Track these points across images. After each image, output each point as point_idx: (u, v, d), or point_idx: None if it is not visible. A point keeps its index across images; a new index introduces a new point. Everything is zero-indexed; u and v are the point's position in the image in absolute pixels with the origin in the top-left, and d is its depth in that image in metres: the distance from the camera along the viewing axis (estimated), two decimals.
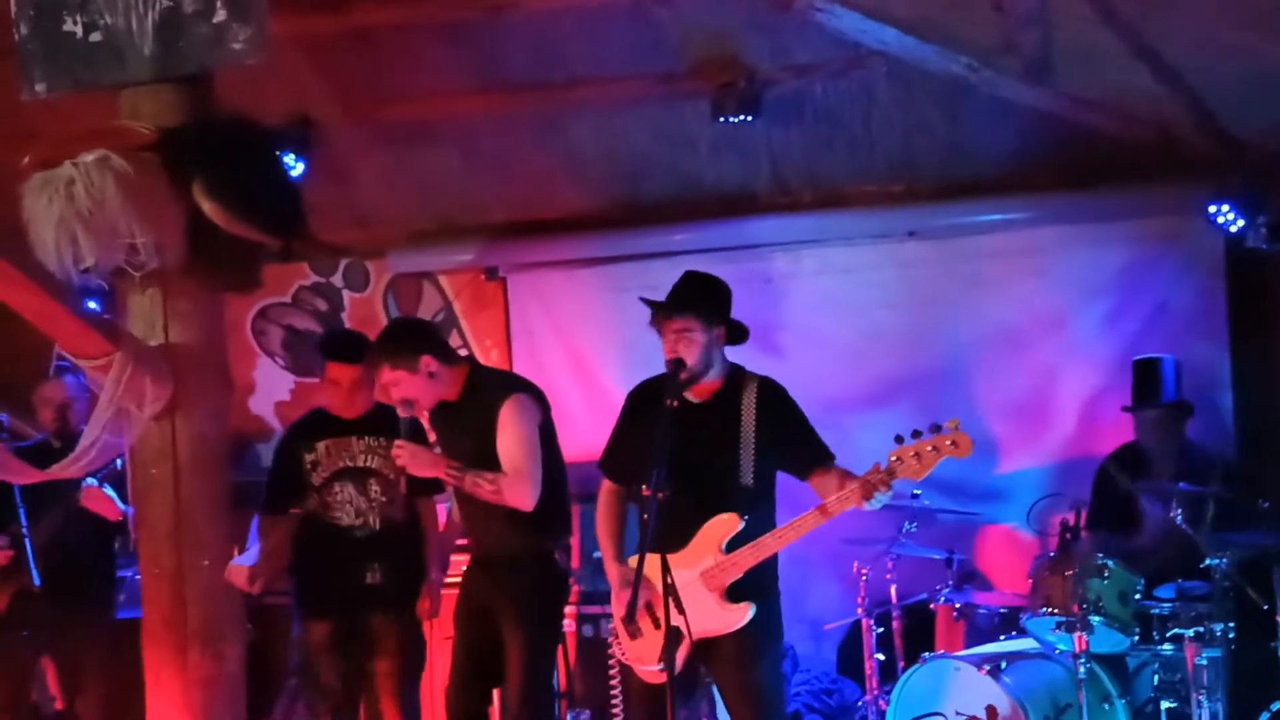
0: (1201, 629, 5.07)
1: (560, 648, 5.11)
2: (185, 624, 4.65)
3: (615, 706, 5.89)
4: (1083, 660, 5.00)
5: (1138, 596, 5.17)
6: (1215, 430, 6.24)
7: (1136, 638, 5.16)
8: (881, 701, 5.73)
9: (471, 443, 4.74)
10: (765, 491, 4.41)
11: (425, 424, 5.07)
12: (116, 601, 5.92)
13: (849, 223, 6.79)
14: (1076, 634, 5.01)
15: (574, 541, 6.11)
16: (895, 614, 6.00)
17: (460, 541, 5.33)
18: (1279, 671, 5.06)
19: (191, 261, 4.52)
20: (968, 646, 5.64)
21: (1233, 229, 6.02)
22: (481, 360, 6.73)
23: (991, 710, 5.08)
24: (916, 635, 5.93)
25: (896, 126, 6.44)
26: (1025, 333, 6.60)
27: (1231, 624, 5.09)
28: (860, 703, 6.04)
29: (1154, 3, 4.98)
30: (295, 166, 6.26)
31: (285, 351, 7.61)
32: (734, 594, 4.28)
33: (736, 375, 4.48)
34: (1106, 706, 5.17)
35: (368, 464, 5.18)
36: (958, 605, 5.85)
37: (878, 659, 5.94)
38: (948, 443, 4.02)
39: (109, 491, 5.50)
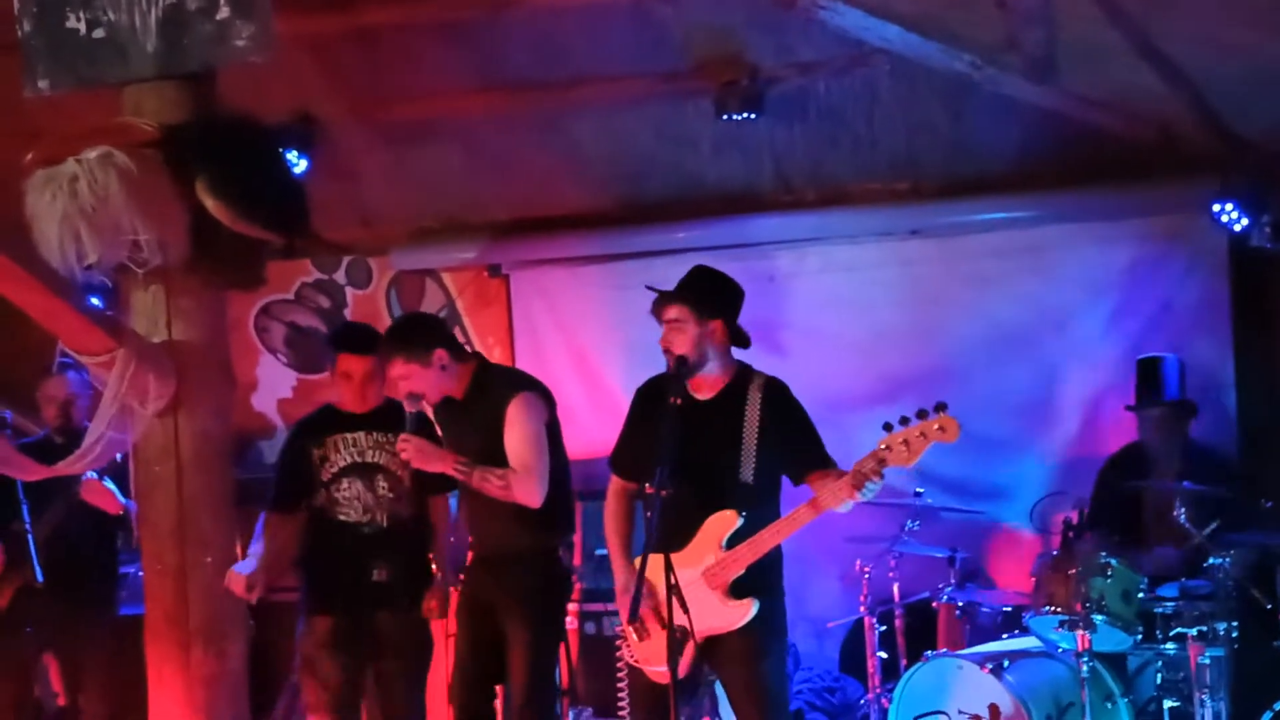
0: (1205, 628, 5.07)
1: (563, 645, 5.10)
2: (188, 621, 4.68)
3: (622, 706, 5.89)
4: (1085, 659, 5.00)
5: (1141, 595, 5.17)
6: (1219, 430, 6.23)
7: (1140, 637, 5.15)
8: (884, 700, 5.74)
9: (479, 439, 4.74)
10: (767, 489, 4.40)
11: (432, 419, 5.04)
12: (119, 598, 5.92)
13: (852, 221, 6.78)
14: (1079, 633, 5.00)
15: (577, 539, 6.14)
16: (898, 612, 6.01)
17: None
18: None
19: (194, 258, 4.54)
20: (970, 645, 5.63)
21: (1237, 228, 6.01)
22: None
23: (994, 709, 5.08)
24: (919, 633, 5.93)
25: (900, 124, 6.43)
26: (1028, 331, 6.59)
27: (1234, 623, 5.09)
28: (862, 701, 6.04)
29: (1158, 1, 4.98)
30: (298, 164, 6.26)
31: (288, 348, 7.61)
32: (737, 590, 4.27)
33: (743, 373, 4.46)
34: (1109, 705, 5.16)
35: (376, 460, 5.10)
36: (960, 604, 5.84)
37: (880, 657, 5.94)
38: (935, 428, 4.02)
39: (109, 485, 5.51)
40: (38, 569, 5.46)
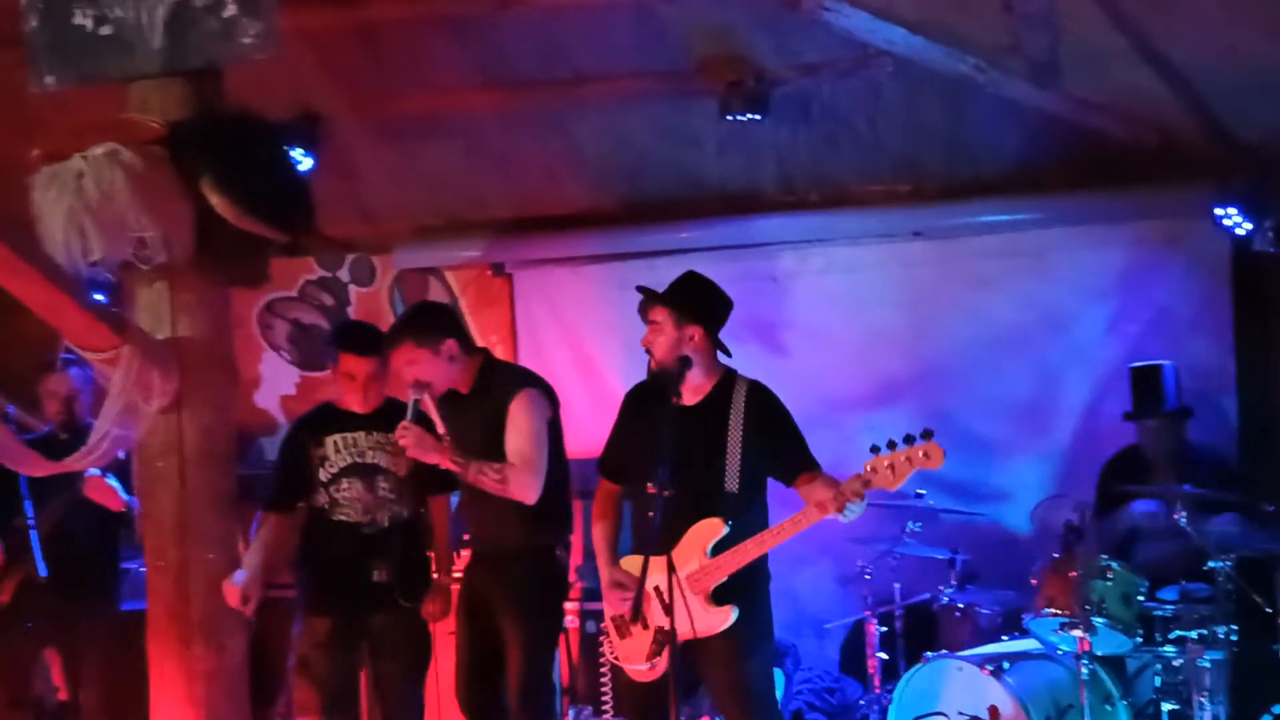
0: (1204, 631, 5.08)
1: (563, 644, 5.10)
2: (189, 617, 4.67)
3: (606, 702, 5.89)
4: (1085, 661, 5.01)
5: (1141, 598, 5.18)
6: (1218, 433, 6.24)
7: (1139, 639, 5.16)
8: (884, 700, 5.74)
9: (481, 434, 4.73)
10: (752, 497, 4.42)
11: (434, 415, 5.02)
12: (120, 594, 5.93)
13: (854, 222, 6.80)
14: (1079, 635, 5.01)
15: (576, 538, 6.12)
16: (898, 613, 6.02)
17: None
18: None
19: (199, 255, 4.53)
20: (970, 646, 5.64)
21: (1239, 232, 6.02)
22: None
23: (994, 710, 5.09)
24: (919, 635, 5.95)
25: (902, 126, 6.44)
26: (1029, 333, 6.61)
27: (1234, 626, 5.10)
28: (862, 701, 6.05)
29: (1161, 6, 4.99)
30: (303, 161, 6.26)
31: (291, 345, 7.62)
32: (718, 597, 4.30)
33: (727, 379, 4.48)
34: (1108, 708, 5.17)
35: (376, 461, 5.03)
36: (960, 605, 5.85)
37: (880, 658, 5.95)
38: (920, 454, 4.06)
39: (112, 482, 5.50)
40: (40, 564, 5.47)
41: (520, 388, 4.76)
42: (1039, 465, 6.54)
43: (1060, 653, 5.24)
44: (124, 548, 5.87)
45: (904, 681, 5.40)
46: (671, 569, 4.07)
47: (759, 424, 4.38)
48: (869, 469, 4.11)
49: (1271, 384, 6.35)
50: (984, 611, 5.82)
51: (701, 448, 4.33)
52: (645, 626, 4.31)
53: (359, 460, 5.03)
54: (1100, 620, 5.03)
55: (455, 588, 5.10)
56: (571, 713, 6.01)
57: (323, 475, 5.02)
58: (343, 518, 5.01)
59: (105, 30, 4.62)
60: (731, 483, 4.33)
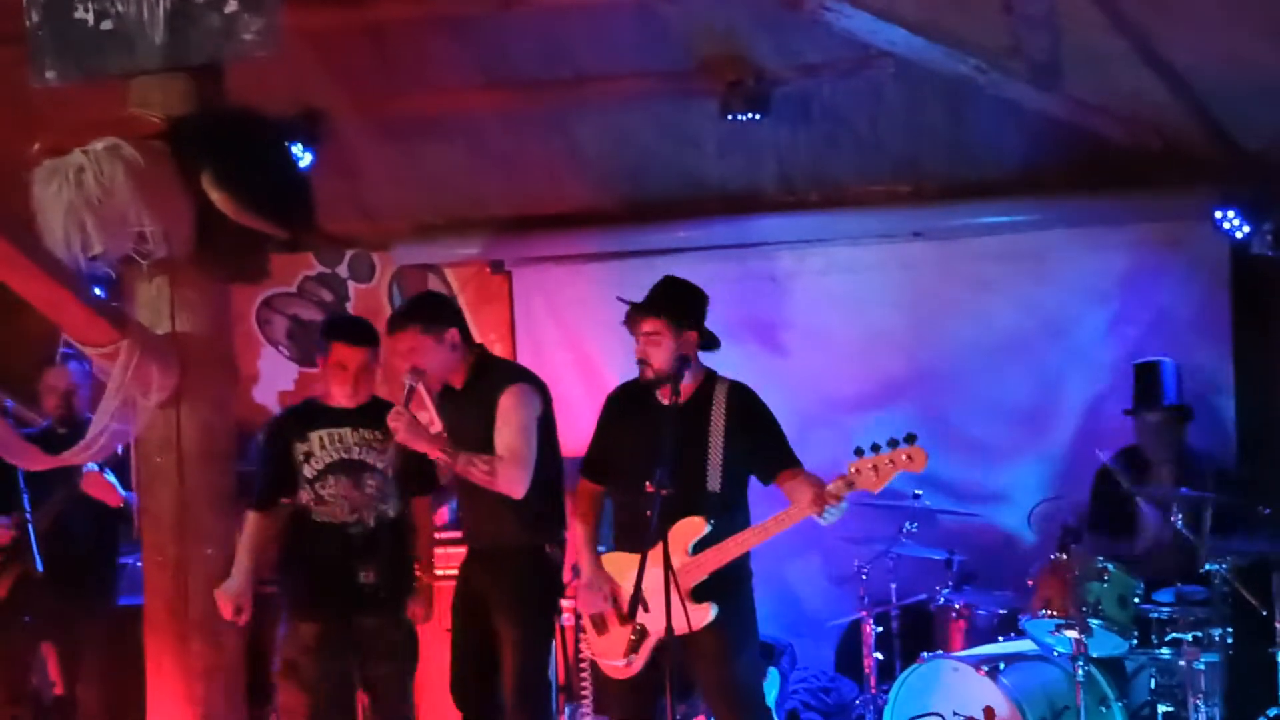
0: (1200, 633, 5.09)
1: (560, 642, 5.10)
2: (187, 613, 4.67)
3: (585, 696, 5.89)
4: (1081, 663, 5.02)
5: (1137, 600, 5.19)
6: (1216, 436, 6.25)
7: (1135, 641, 5.18)
8: (880, 700, 5.75)
9: (474, 428, 4.74)
10: (734, 496, 4.46)
11: (429, 403, 4.98)
12: (118, 589, 5.93)
13: (854, 222, 6.79)
14: (1075, 636, 5.02)
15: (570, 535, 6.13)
16: (894, 613, 6.02)
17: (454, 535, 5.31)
18: (1276, 676, 5.07)
19: (199, 251, 4.53)
20: (966, 647, 5.65)
21: (1239, 235, 6.02)
22: None
23: (989, 711, 5.09)
24: (915, 635, 5.95)
25: (903, 127, 6.44)
26: (1028, 335, 6.61)
27: (1229, 629, 5.11)
28: (858, 701, 6.06)
29: (1162, 9, 4.99)
30: (303, 158, 6.27)
31: (290, 341, 7.62)
32: (699, 594, 4.34)
33: (709, 379, 4.53)
34: (1104, 709, 5.18)
35: (363, 458, 4.88)
36: (957, 606, 5.86)
37: (876, 658, 5.96)
38: (903, 457, 4.11)
39: (110, 477, 5.50)
40: (38, 559, 5.47)
41: (510, 382, 4.77)
42: (1037, 467, 6.55)
43: (1056, 654, 5.25)
44: (122, 543, 5.87)
45: (900, 682, 5.41)
46: (669, 567, 4.08)
47: (740, 423, 4.43)
48: (853, 470, 4.16)
49: (1270, 387, 6.35)
50: (980, 612, 5.83)
51: (684, 447, 4.35)
52: (623, 623, 4.35)
53: (345, 457, 4.88)
54: (1096, 622, 5.04)
55: (439, 587, 5.09)
56: (567, 710, 6.01)
57: (307, 472, 4.86)
58: (327, 517, 4.86)
59: (107, 25, 4.62)
60: (714, 482, 4.39)
